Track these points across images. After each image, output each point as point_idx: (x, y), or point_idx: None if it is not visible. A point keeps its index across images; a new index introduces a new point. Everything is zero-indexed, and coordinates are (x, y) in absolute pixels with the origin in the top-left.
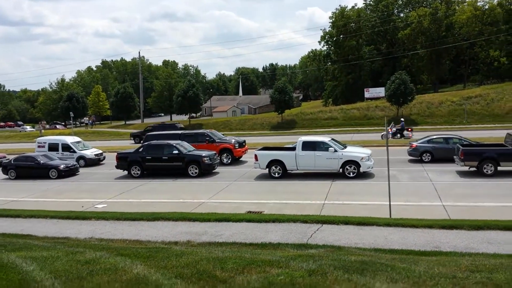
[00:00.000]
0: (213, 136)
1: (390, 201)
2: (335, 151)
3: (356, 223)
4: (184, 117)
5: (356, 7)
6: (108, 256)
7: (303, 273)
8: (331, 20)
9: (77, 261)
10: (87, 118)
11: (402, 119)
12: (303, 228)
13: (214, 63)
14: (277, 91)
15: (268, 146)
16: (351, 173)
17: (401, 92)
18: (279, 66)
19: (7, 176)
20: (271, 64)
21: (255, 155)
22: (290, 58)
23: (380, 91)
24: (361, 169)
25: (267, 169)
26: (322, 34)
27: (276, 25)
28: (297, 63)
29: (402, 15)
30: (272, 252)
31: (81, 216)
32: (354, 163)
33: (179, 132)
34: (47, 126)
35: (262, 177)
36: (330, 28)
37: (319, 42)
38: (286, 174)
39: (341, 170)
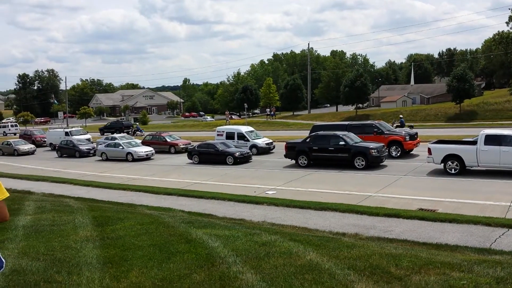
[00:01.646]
0: (382, 127)
1: None
2: None
3: None
4: (351, 108)
5: None
6: (282, 240)
7: (490, 280)
8: None
9: (254, 242)
10: (268, 110)
11: None
12: (486, 232)
13: (384, 51)
14: (455, 79)
15: (443, 139)
16: None
17: None
18: (458, 51)
19: (191, 161)
20: (448, 49)
21: (429, 149)
22: (471, 42)
23: None
24: None
25: (442, 164)
26: (511, 14)
27: (455, 6)
28: (479, 48)
29: None
30: (450, 254)
31: (254, 201)
32: None
33: (346, 123)
34: (233, 116)
35: (435, 172)
36: None
37: (507, 23)
38: (464, 171)
39: None
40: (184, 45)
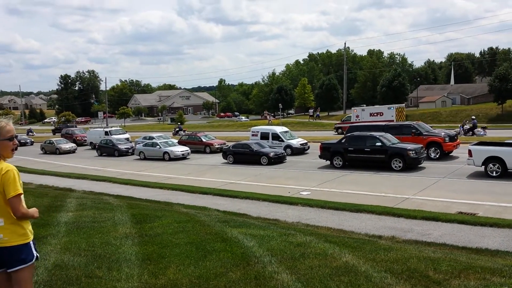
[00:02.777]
0: (420, 128)
1: None
2: None
3: None
4: None
5: None
6: (317, 242)
7: None
8: None
9: (289, 242)
10: (311, 110)
11: None
12: None
13: (423, 50)
14: (497, 79)
15: (484, 141)
16: None
17: None
18: (500, 50)
19: (226, 161)
20: (490, 48)
21: (469, 151)
22: None
23: None
24: None
25: (483, 166)
26: None
27: (498, 4)
28: None
29: None
30: (491, 259)
31: (288, 201)
32: None
33: (383, 123)
34: (274, 117)
35: (476, 175)
36: None
37: None
38: (506, 174)
39: None
40: (220, 46)
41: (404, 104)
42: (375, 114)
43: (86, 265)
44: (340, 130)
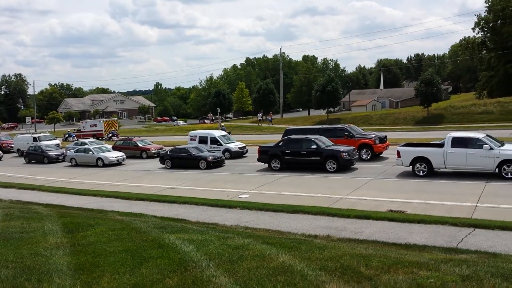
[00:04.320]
0: (352, 131)
1: None
2: (491, 148)
3: None
4: (322, 112)
5: None
6: (255, 244)
7: (456, 278)
8: (487, 5)
9: (228, 245)
10: (260, 114)
11: None
12: (453, 231)
13: (354, 56)
14: (423, 83)
15: (412, 142)
16: (510, 174)
17: None
18: (426, 56)
19: (163, 166)
20: (417, 55)
21: (398, 152)
22: (439, 47)
23: None
24: None
25: (411, 166)
26: (476, 20)
27: (424, 12)
28: (446, 53)
29: None
30: (419, 254)
31: (227, 205)
32: None
33: (318, 126)
34: (205, 121)
35: (404, 175)
36: (486, 13)
37: (473, 29)
38: (432, 173)
39: (497, 170)
40: (156, 49)
41: (116, 118)
42: (92, 125)
43: (14, 278)
44: (70, 138)
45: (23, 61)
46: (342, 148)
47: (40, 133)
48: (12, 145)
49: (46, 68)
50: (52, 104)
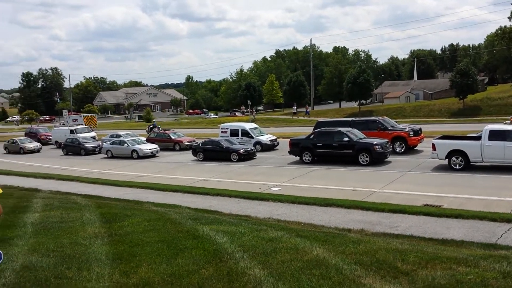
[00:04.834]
0: (385, 123)
1: None
2: None
3: None
4: (354, 104)
5: None
6: (289, 236)
7: (496, 274)
8: None
9: (261, 238)
10: (295, 107)
11: None
12: (491, 227)
13: (386, 47)
14: (458, 74)
15: (447, 135)
16: None
17: None
18: (461, 46)
19: (196, 158)
20: (451, 45)
21: (433, 144)
22: (474, 37)
23: None
24: None
25: (446, 160)
26: None
27: (457, 1)
28: (482, 43)
29: None
30: (456, 249)
31: (259, 197)
32: None
33: (350, 119)
34: (236, 113)
35: (440, 168)
36: None
37: (509, 18)
38: (468, 166)
39: None
40: (187, 43)
41: (94, 114)
42: (74, 120)
43: (55, 266)
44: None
45: (59, 55)
46: (375, 140)
47: (77, 125)
48: (50, 137)
49: (81, 62)
50: (87, 97)
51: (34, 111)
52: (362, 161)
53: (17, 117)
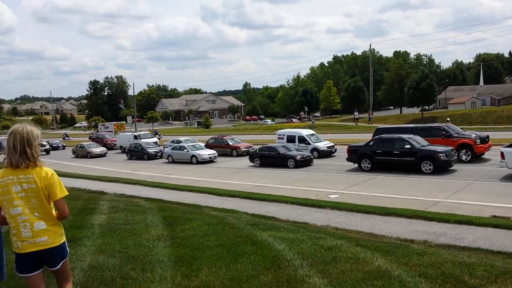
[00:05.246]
0: (450, 130)
1: None
2: None
3: None
4: (416, 110)
5: None
6: (348, 245)
7: None
8: None
9: (320, 246)
10: (356, 113)
11: None
12: None
13: (450, 51)
14: None
15: None
16: None
17: None
18: None
19: (253, 164)
20: None
21: (501, 153)
22: None
23: None
24: None
25: None
26: None
27: None
28: None
29: None
30: None
31: (316, 204)
32: None
33: (412, 125)
34: (293, 120)
35: (509, 178)
36: None
37: None
38: None
39: None
40: (245, 50)
41: (123, 122)
42: (106, 127)
43: (120, 267)
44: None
45: (123, 64)
46: (439, 148)
47: (140, 131)
48: (115, 142)
49: (144, 70)
50: (150, 104)
51: (101, 117)
52: (425, 169)
53: (84, 123)
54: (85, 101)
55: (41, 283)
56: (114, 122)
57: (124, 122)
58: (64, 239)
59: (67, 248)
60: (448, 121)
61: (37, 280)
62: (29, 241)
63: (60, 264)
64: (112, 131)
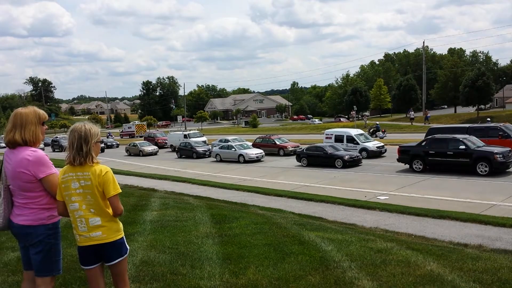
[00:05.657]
0: (508, 130)
1: None
2: None
3: None
4: (471, 109)
5: None
6: (399, 248)
7: None
8: None
9: (369, 248)
10: (412, 113)
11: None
12: None
13: (509, 48)
14: None
15: None
16: None
17: None
18: None
19: (299, 163)
20: None
21: None
22: None
23: None
24: None
25: None
26: None
27: None
28: None
29: None
30: None
31: (365, 205)
32: None
33: (467, 125)
34: (341, 119)
35: None
36: None
37: None
38: None
39: None
40: (293, 49)
41: (144, 123)
42: (129, 127)
43: (170, 262)
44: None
45: (175, 65)
46: (496, 149)
47: (190, 130)
48: (166, 141)
49: (194, 71)
50: (199, 104)
51: (153, 117)
52: (481, 171)
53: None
54: (138, 101)
55: (99, 277)
56: (136, 123)
57: (144, 123)
58: (121, 235)
59: (127, 246)
60: (488, 121)
61: (95, 273)
62: (85, 236)
63: (117, 261)
64: (134, 131)
